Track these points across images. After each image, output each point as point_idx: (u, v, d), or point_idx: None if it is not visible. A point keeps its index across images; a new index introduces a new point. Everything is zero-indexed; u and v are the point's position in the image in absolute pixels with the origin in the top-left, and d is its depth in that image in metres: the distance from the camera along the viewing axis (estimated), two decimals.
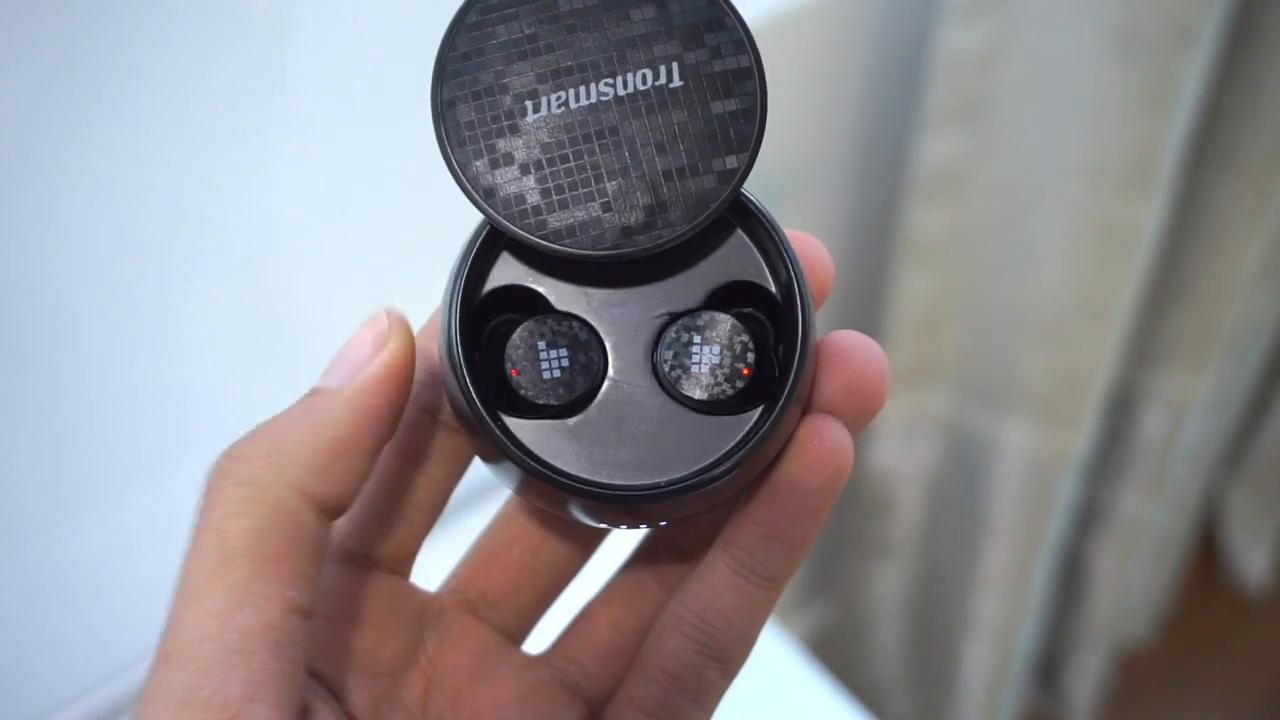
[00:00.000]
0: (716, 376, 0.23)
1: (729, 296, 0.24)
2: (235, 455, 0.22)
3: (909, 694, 1.03)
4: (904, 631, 0.99)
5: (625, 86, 0.22)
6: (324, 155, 0.50)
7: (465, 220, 0.24)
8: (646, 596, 0.27)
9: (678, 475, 0.23)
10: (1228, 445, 1.11)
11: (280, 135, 0.49)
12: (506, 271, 0.24)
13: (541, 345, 0.23)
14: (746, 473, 0.23)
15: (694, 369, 0.23)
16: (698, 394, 0.23)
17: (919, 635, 0.99)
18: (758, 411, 0.23)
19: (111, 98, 0.44)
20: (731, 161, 0.22)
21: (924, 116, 0.70)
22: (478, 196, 0.22)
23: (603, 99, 0.22)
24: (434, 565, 0.29)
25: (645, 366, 0.24)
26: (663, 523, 0.25)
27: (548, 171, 0.22)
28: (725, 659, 0.25)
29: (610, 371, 0.24)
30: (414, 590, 0.28)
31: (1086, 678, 1.08)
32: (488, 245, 0.24)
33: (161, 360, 0.49)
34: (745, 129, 0.22)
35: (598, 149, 0.22)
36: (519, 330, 0.24)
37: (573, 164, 0.22)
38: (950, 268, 0.76)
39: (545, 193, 0.22)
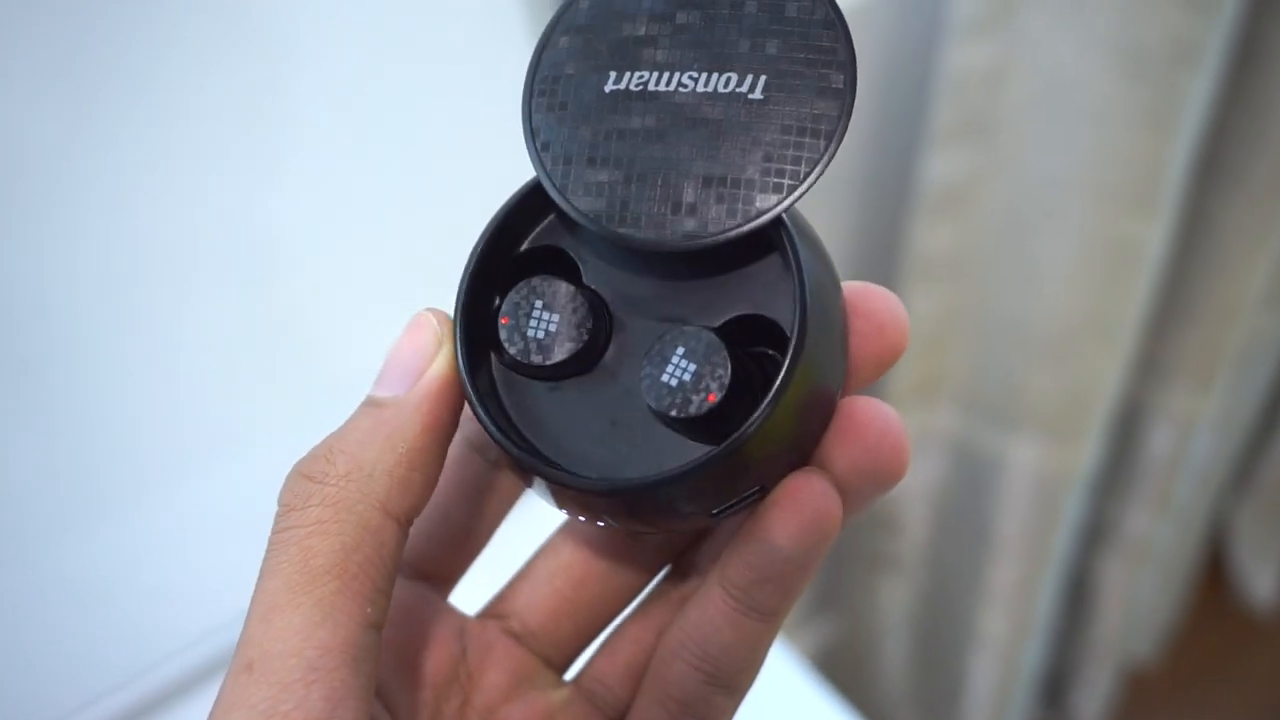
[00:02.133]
0: (676, 396, 0.22)
1: (753, 328, 0.23)
2: (314, 477, 0.22)
3: (915, 711, 1.03)
4: (910, 648, 0.99)
5: (706, 84, 0.22)
6: (331, 165, 0.51)
7: (473, 227, 0.24)
8: (669, 616, 0.27)
9: (592, 475, 0.23)
10: (1235, 465, 1.10)
11: (287, 144, 0.49)
12: (552, 232, 0.24)
13: (538, 304, 0.23)
14: (666, 507, 0.22)
15: (663, 379, 0.22)
16: (653, 401, 0.22)
17: (925, 652, 0.99)
18: (707, 448, 0.22)
19: (113, 104, 0.44)
20: (780, 188, 0.22)
21: (930, 134, 0.71)
22: (534, 144, 0.23)
23: (682, 89, 0.22)
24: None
25: (638, 363, 0.23)
26: (578, 517, 0.24)
27: (601, 141, 0.22)
28: (731, 685, 0.25)
29: (605, 357, 0.24)
30: (455, 610, 0.28)
31: (1093, 696, 1.07)
32: (538, 198, 0.24)
33: (168, 371, 0.49)
34: (803, 165, 0.22)
35: (655, 136, 0.22)
36: (522, 283, 0.23)
37: (626, 142, 0.22)
38: (956, 285, 0.76)
39: (591, 161, 0.22)
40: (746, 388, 0.22)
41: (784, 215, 0.22)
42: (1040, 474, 0.81)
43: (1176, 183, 0.68)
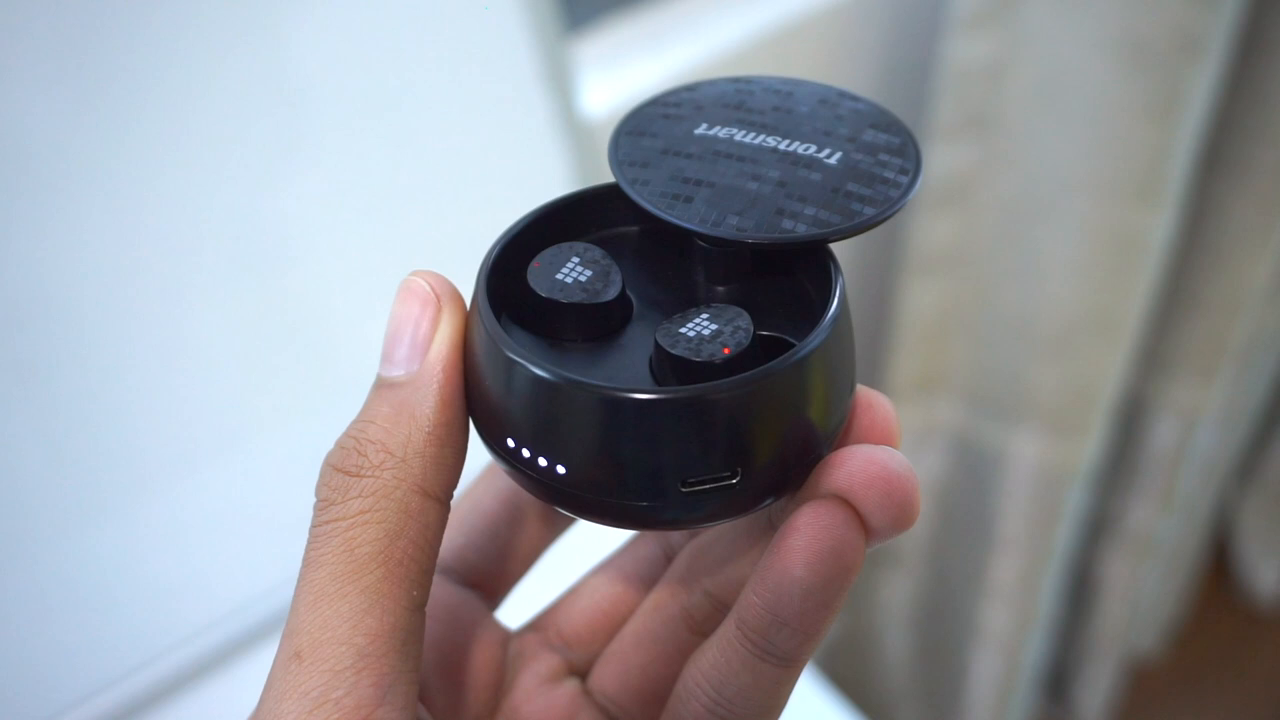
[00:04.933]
0: (690, 343, 0.22)
1: (768, 356, 0.23)
2: (349, 470, 0.22)
3: (917, 706, 1.03)
4: (912, 642, 0.99)
5: (788, 147, 0.25)
6: (339, 161, 0.50)
7: (486, 228, 0.24)
8: (676, 641, 0.27)
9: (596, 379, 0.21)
10: (1240, 458, 1.10)
11: (293, 140, 0.49)
12: (600, 244, 0.25)
13: (574, 258, 0.23)
14: (634, 443, 0.21)
15: (680, 329, 0.22)
16: (665, 342, 0.22)
17: (927, 646, 0.99)
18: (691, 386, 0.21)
19: (116, 101, 0.44)
20: (832, 219, 0.23)
21: (932, 128, 0.70)
22: (615, 153, 0.25)
23: (764, 144, 0.25)
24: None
25: (645, 349, 0.23)
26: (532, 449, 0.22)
27: (678, 160, 0.25)
28: None
29: (615, 339, 0.23)
30: (500, 622, 0.29)
31: (1097, 690, 1.07)
32: (593, 209, 0.25)
33: (173, 367, 0.49)
34: (861, 214, 0.23)
35: (729, 162, 0.24)
36: (561, 244, 0.24)
37: (702, 164, 0.24)
38: (958, 278, 0.76)
39: (668, 170, 0.25)
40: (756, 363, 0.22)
41: (831, 249, 0.23)
42: (1042, 468, 0.81)
43: (1180, 175, 0.68)
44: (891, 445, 0.24)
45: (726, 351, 0.21)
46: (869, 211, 0.23)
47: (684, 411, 0.21)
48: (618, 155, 0.25)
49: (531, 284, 0.23)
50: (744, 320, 0.22)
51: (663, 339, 0.22)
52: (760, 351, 0.22)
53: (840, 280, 0.23)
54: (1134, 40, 0.62)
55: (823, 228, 0.23)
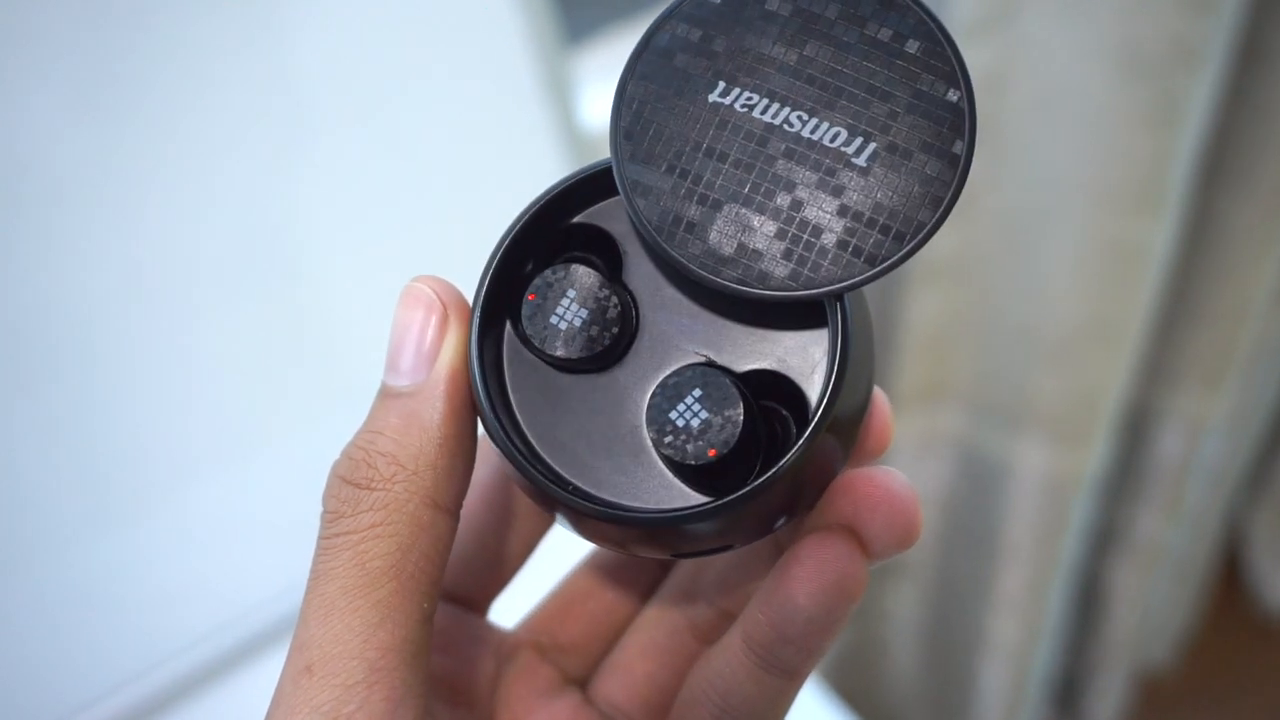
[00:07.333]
0: (677, 437, 0.21)
1: (775, 382, 0.22)
2: (359, 483, 0.21)
3: (925, 717, 1.02)
4: (919, 653, 0.99)
5: (813, 131, 0.21)
6: (344, 166, 0.51)
7: (485, 241, 0.24)
8: (684, 651, 0.27)
9: (567, 478, 0.22)
10: (1249, 467, 1.10)
11: (297, 145, 0.49)
12: (607, 215, 0.23)
13: (570, 292, 0.22)
14: (626, 539, 0.22)
15: (671, 414, 0.21)
16: (654, 433, 0.21)
17: (934, 657, 0.98)
18: (688, 504, 0.21)
19: (118, 104, 0.44)
20: (847, 268, 0.20)
21: None
22: (618, 126, 0.21)
23: (786, 127, 0.21)
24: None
25: (650, 376, 0.23)
26: (541, 505, 0.24)
27: (688, 150, 0.21)
28: None
29: (621, 361, 0.23)
30: (494, 628, 0.28)
31: (1107, 701, 1.07)
32: (606, 179, 0.22)
33: (176, 375, 0.49)
34: (884, 249, 0.20)
35: (743, 166, 0.21)
36: (561, 264, 0.22)
37: (711, 162, 0.21)
38: (961, 287, 0.76)
39: (671, 168, 0.21)
40: (749, 443, 0.21)
41: (845, 294, 0.21)
42: (1048, 477, 0.80)
43: (1180, 184, 0.68)
44: (886, 438, 0.24)
45: (712, 454, 0.21)
46: (889, 249, 0.20)
47: (667, 528, 0.21)
48: (622, 133, 0.22)
49: (525, 329, 0.22)
50: (734, 409, 0.21)
51: (652, 425, 0.21)
52: (757, 413, 0.22)
53: (846, 329, 0.21)
54: (1133, 50, 0.62)
55: (826, 280, 0.21)
